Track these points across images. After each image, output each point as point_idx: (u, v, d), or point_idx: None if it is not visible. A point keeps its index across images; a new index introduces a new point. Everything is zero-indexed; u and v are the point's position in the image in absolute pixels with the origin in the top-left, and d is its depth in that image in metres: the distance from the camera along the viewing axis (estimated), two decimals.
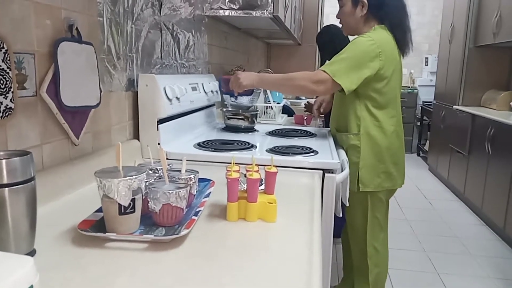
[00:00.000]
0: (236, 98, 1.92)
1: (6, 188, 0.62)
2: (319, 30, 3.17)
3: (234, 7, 2.08)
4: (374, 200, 1.63)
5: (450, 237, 3.02)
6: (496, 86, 3.96)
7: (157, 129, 1.40)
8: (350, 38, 1.69)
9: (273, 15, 2.09)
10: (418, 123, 5.87)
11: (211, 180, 1.07)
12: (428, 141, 5.34)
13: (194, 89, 1.72)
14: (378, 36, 1.52)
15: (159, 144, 1.40)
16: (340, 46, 1.63)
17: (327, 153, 1.46)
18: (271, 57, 4.46)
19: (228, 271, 0.67)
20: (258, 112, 2.10)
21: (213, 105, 2.07)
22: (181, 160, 0.94)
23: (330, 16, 5.34)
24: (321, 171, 1.31)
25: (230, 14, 2.09)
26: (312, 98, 3.26)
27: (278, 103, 2.45)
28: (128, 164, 0.86)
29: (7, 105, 0.84)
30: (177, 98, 1.49)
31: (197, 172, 0.94)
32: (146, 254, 0.71)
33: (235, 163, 0.92)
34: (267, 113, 2.35)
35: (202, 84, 1.83)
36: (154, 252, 0.72)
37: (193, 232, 0.80)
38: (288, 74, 1.55)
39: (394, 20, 1.57)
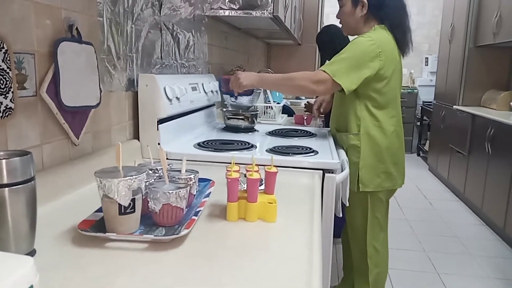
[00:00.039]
0: (236, 98, 1.92)
1: (6, 188, 0.62)
2: (319, 30, 3.17)
3: (234, 7, 2.08)
4: (374, 200, 1.63)
5: (450, 237, 3.02)
6: (496, 86, 3.96)
7: (157, 129, 1.40)
8: (350, 38, 1.69)
9: (273, 15, 2.09)
10: (418, 123, 5.87)
11: (211, 180, 1.07)
12: (428, 141, 5.34)
13: (194, 89, 1.72)
14: (378, 36, 1.52)
15: (159, 144, 1.40)
16: (340, 46, 1.63)
17: (327, 153, 1.46)
18: (271, 57, 4.46)
19: (228, 271, 0.67)
20: (258, 112, 2.10)
21: (213, 105, 2.07)
22: (181, 160, 0.94)
23: (330, 16, 5.34)
24: (321, 171, 1.31)
25: (230, 14, 2.09)
26: (312, 98, 3.26)
27: (278, 103, 2.45)
28: (128, 164, 0.86)
29: (7, 105, 0.84)
30: (177, 98, 1.49)
31: (197, 172, 0.94)
32: (146, 254, 0.71)
33: (235, 163, 0.92)
34: (267, 113, 2.35)
35: (202, 84, 1.83)
36: (154, 252, 0.72)
37: (193, 232, 0.80)
38: (288, 74, 1.55)
39: (394, 20, 1.57)
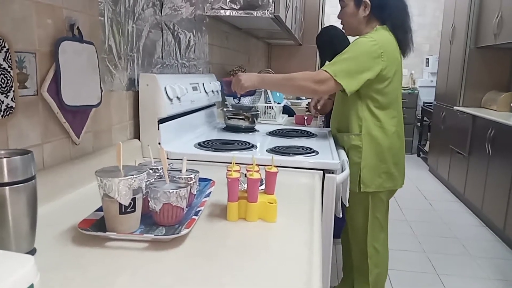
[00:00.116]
0: (239, 99, 1.93)
1: (7, 187, 0.63)
2: (319, 31, 3.17)
3: (235, 7, 2.08)
4: (375, 200, 1.63)
5: (450, 238, 3.02)
6: (496, 87, 3.96)
7: (158, 129, 1.40)
8: (350, 38, 1.69)
9: (274, 15, 2.09)
10: (419, 124, 5.87)
11: (211, 180, 1.07)
12: (428, 142, 5.34)
13: (194, 89, 1.72)
14: (380, 37, 1.52)
15: (159, 143, 1.40)
16: (340, 47, 1.63)
17: (327, 154, 1.46)
18: (271, 57, 4.46)
19: (228, 271, 0.67)
20: (259, 112, 2.10)
21: (214, 105, 2.07)
22: (181, 159, 0.94)
23: (331, 16, 5.34)
24: (322, 171, 1.31)
25: (231, 14, 2.09)
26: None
27: (278, 103, 2.45)
28: (129, 163, 0.86)
29: (8, 104, 0.84)
30: (178, 98, 1.49)
31: (198, 171, 0.94)
32: (146, 254, 0.71)
33: (236, 163, 0.92)
34: (267, 113, 2.35)
35: (203, 84, 1.83)
36: (155, 252, 0.72)
37: (193, 232, 0.80)
38: (289, 74, 1.55)
39: (396, 20, 1.57)
